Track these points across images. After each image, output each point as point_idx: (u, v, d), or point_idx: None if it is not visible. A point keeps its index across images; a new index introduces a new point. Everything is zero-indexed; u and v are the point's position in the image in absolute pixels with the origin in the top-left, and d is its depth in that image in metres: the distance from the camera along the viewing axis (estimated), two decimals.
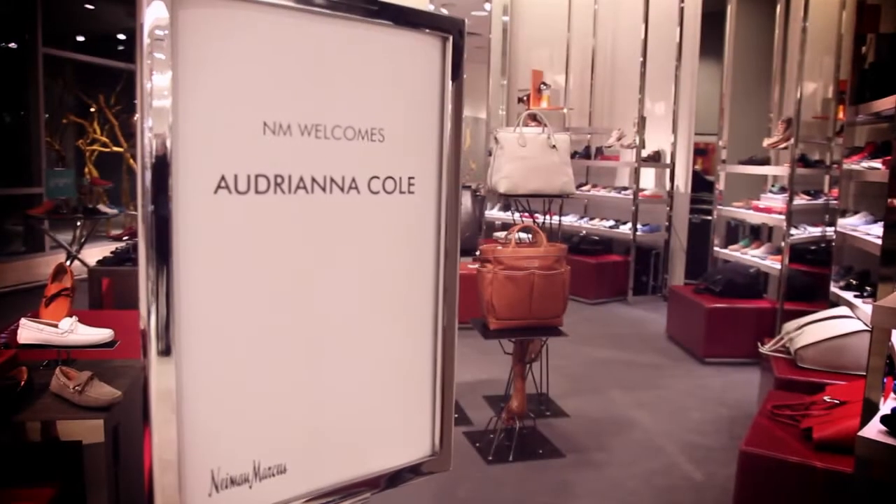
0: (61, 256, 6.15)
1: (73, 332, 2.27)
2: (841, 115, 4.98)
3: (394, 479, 1.47)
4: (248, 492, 1.25)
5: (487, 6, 8.45)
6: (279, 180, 1.24)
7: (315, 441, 1.34)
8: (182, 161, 1.12)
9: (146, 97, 1.08)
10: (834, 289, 3.99)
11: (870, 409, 1.94)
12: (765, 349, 3.56)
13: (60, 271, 2.63)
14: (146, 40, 1.07)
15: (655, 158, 7.00)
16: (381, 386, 1.45)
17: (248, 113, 1.20)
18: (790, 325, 3.59)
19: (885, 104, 3.47)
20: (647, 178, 7.36)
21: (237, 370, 1.23)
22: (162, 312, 1.12)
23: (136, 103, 1.10)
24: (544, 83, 7.65)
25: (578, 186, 7.21)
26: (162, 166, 1.09)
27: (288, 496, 1.31)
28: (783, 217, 4.85)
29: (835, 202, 4.72)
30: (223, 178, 1.18)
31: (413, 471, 1.52)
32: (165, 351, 1.13)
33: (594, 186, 7.61)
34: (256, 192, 1.22)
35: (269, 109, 1.22)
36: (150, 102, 1.08)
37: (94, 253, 6.06)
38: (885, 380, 1.99)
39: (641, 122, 6.73)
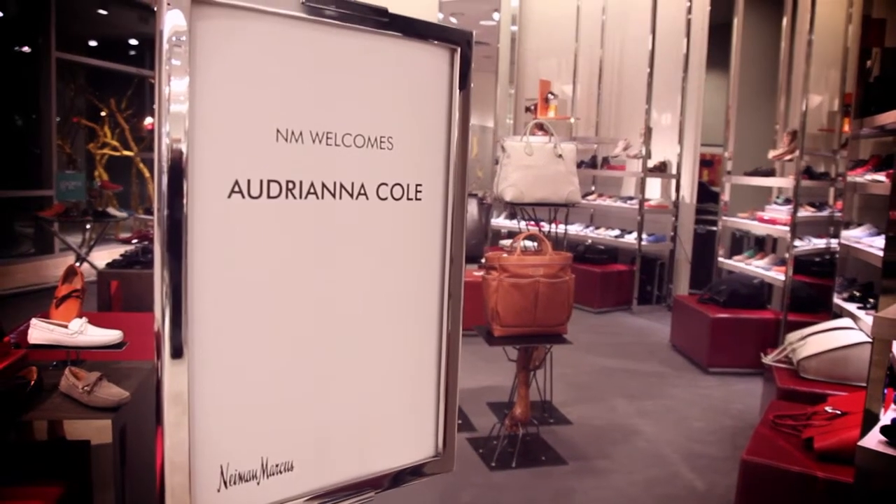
0: (70, 259, 6.21)
1: (83, 333, 2.30)
2: (846, 127, 5.00)
3: (397, 479, 1.50)
4: (255, 488, 1.28)
5: (496, 16, 8.51)
6: (291, 186, 1.27)
7: (322, 440, 1.37)
8: (197, 165, 1.15)
9: (164, 102, 1.11)
10: (837, 300, 4.00)
11: (870, 420, 1.96)
12: (767, 359, 3.58)
13: (71, 273, 2.67)
14: (165, 46, 1.10)
15: (661, 169, 7.02)
16: (387, 388, 1.48)
17: (262, 120, 1.23)
18: (793, 336, 3.60)
19: (890, 118, 3.49)
20: (653, 188, 7.39)
21: (247, 371, 1.26)
22: (176, 314, 1.15)
23: (155, 108, 1.13)
24: (552, 93, 7.69)
25: (584, 196, 7.24)
26: (178, 170, 1.12)
27: (294, 493, 1.33)
28: (787, 228, 4.87)
29: (839, 214, 4.74)
30: (237, 182, 1.21)
31: (416, 472, 1.54)
32: (178, 353, 1.16)
33: (600, 196, 7.64)
34: (269, 197, 1.25)
35: (282, 117, 1.25)
36: (167, 107, 1.11)
37: (103, 255, 6.12)
38: (885, 391, 2.00)
39: (648, 132, 6.76)
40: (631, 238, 7.01)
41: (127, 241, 5.96)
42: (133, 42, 9.18)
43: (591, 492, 3.03)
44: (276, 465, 1.31)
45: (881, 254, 2.92)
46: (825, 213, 5.15)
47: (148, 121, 9.03)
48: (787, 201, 5.17)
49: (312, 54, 1.28)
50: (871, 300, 3.73)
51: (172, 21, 1.10)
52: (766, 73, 6.43)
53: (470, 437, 3.54)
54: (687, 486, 3.12)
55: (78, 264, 5.02)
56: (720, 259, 5.84)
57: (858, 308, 3.74)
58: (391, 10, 1.36)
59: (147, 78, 8.96)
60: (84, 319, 2.34)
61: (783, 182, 5.33)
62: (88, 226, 6.20)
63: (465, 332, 1.66)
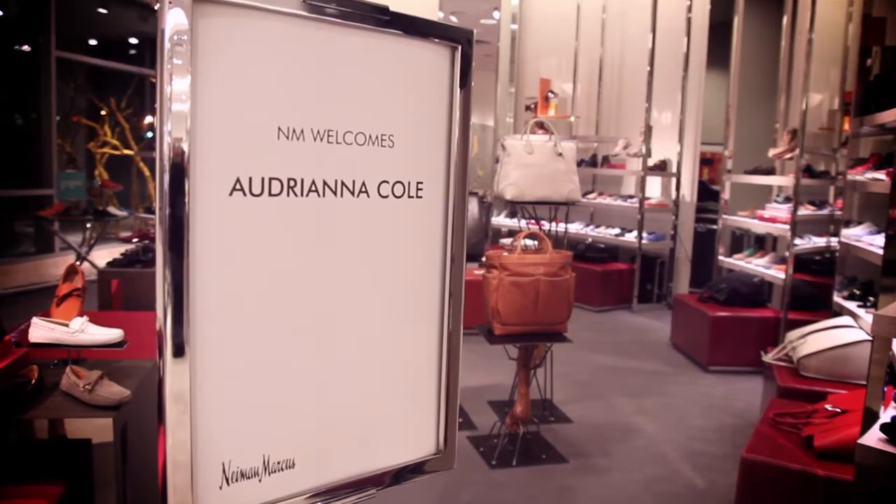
0: (71, 258, 6.21)
1: (84, 331, 2.30)
2: (846, 126, 5.01)
3: (398, 476, 1.50)
4: (257, 485, 1.28)
5: (496, 14, 8.51)
6: (292, 183, 1.27)
7: (323, 437, 1.38)
8: (199, 164, 1.15)
9: (166, 101, 1.11)
10: (837, 298, 4.00)
11: (870, 418, 1.96)
12: (768, 358, 3.58)
13: (72, 272, 2.67)
14: (166, 45, 1.10)
15: (661, 167, 7.02)
16: (388, 386, 1.48)
17: (263, 118, 1.23)
18: (793, 335, 3.61)
19: (890, 116, 3.49)
20: (653, 186, 7.39)
21: (248, 368, 1.26)
22: (177, 313, 1.15)
23: (156, 107, 1.13)
24: (552, 91, 7.70)
25: (584, 194, 7.24)
26: (179, 169, 1.12)
27: (296, 490, 1.34)
28: (788, 227, 4.87)
29: (839, 213, 4.74)
30: (238, 180, 1.21)
31: (417, 469, 1.54)
32: (180, 351, 1.16)
33: (600, 194, 7.64)
34: (270, 194, 1.25)
35: (284, 115, 1.25)
36: (169, 106, 1.11)
37: (104, 254, 6.13)
38: (885, 389, 2.01)
39: (648, 131, 6.77)
40: (631, 237, 7.01)
41: (127, 240, 5.98)
42: (133, 41, 9.18)
43: (591, 490, 3.03)
44: (278, 463, 1.31)
45: (881, 252, 2.93)
46: (825, 211, 5.16)
47: (148, 119, 9.04)
48: (788, 200, 5.17)
49: (314, 52, 1.28)
50: (871, 298, 3.73)
51: (174, 20, 1.10)
52: (767, 71, 6.44)
53: (471, 436, 3.55)
54: (687, 484, 3.12)
55: (78, 263, 5.03)
56: (720, 257, 5.84)
57: (858, 306, 3.75)
58: (392, 8, 1.36)
59: (147, 77, 8.97)
60: (85, 318, 2.34)
61: (783, 180, 5.33)
62: (89, 225, 6.21)
63: (466, 331, 1.66)
